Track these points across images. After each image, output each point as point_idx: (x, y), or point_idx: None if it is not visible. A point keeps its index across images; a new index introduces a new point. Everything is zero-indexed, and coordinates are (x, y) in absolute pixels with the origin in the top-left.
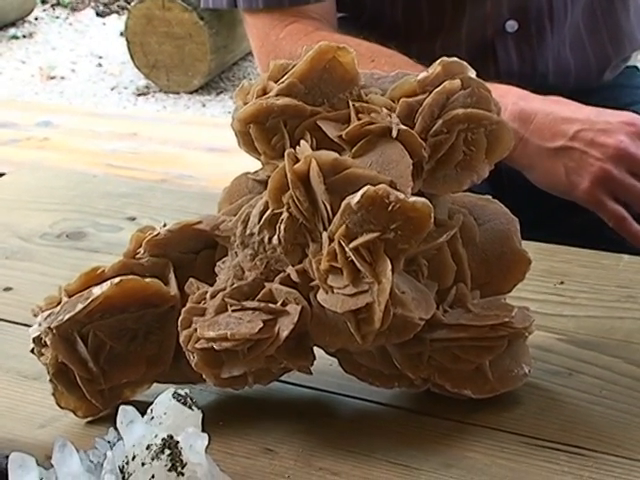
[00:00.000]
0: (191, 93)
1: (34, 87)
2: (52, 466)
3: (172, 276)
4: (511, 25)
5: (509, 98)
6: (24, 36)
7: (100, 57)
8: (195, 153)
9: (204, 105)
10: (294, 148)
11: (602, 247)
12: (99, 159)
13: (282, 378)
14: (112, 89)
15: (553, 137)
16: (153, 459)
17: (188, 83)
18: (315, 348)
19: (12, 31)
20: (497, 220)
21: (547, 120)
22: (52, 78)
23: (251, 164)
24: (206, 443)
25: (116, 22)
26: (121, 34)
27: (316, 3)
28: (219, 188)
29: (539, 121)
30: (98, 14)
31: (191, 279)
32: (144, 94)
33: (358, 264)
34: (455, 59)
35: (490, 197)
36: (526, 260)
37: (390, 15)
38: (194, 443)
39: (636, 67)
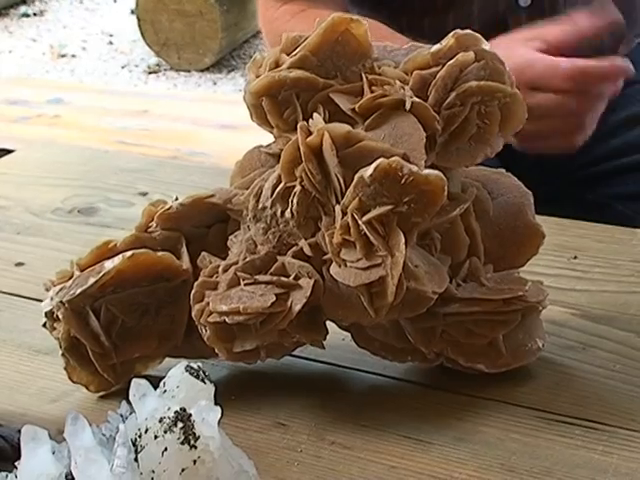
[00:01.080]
0: (202, 71)
1: (45, 65)
2: (64, 440)
3: (184, 250)
4: (524, 0)
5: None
6: (35, 14)
7: (111, 35)
8: (206, 130)
9: (215, 83)
10: (307, 121)
11: (615, 222)
12: (110, 136)
13: (295, 352)
14: (123, 67)
15: None
16: (166, 432)
17: (199, 61)
18: (328, 322)
19: (23, 9)
20: (511, 194)
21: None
22: (63, 56)
23: (262, 140)
24: (219, 416)
25: (127, 0)
26: (132, 12)
27: None
28: (230, 164)
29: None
30: None
31: (203, 253)
32: (155, 72)
33: (371, 237)
34: (468, 31)
35: (504, 171)
36: (540, 234)
37: None
38: (207, 416)
39: None
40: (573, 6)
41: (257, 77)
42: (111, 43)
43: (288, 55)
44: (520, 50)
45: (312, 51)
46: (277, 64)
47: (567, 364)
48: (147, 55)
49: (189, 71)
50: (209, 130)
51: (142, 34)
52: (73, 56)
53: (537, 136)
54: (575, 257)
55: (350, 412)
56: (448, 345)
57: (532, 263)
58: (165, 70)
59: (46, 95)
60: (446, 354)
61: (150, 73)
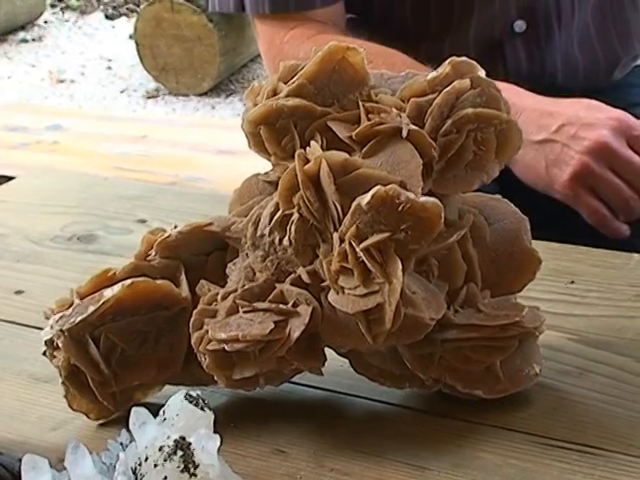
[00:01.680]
0: (200, 96)
1: (44, 91)
2: (65, 468)
3: (183, 278)
4: (519, 25)
5: (503, 94)
6: (34, 40)
7: (109, 60)
8: (205, 155)
9: (213, 107)
10: (304, 149)
11: (612, 246)
12: (109, 162)
13: (293, 379)
14: (122, 92)
15: (537, 130)
16: (165, 460)
17: (197, 85)
18: (326, 349)
19: (22, 35)
20: (507, 220)
21: (534, 114)
22: (62, 81)
23: (261, 166)
24: (218, 444)
25: (125, 25)
26: (130, 37)
27: (322, 8)
28: (229, 190)
29: (527, 115)
30: (107, 17)
31: (202, 281)
32: (154, 97)
33: (369, 264)
34: (464, 59)
35: (500, 197)
36: (536, 259)
37: (399, 15)
38: (206, 444)
39: None
40: (568, 32)
41: (255, 105)
42: (110, 68)
43: (285, 83)
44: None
45: (309, 79)
46: (275, 92)
47: (564, 389)
48: (146, 80)
49: (187, 95)
50: (208, 155)
51: (141, 59)
52: (72, 81)
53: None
54: (572, 282)
55: (349, 439)
56: (446, 371)
57: (529, 288)
58: (164, 95)
59: (45, 121)
60: (444, 380)
61: (149, 98)
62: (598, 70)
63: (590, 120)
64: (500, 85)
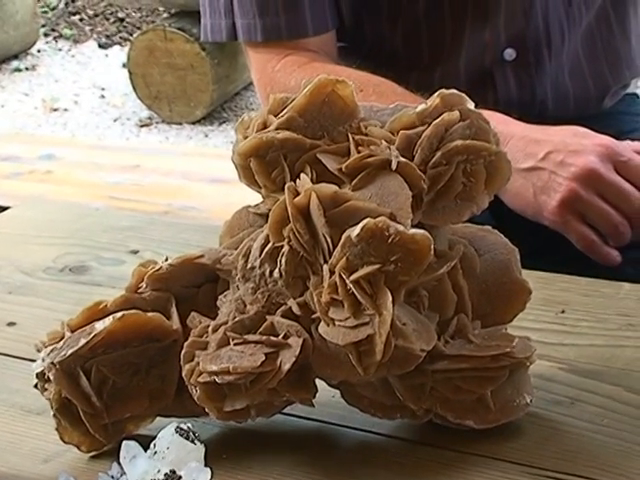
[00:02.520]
0: (194, 124)
1: (37, 119)
2: None
3: (174, 310)
4: (509, 53)
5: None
6: (27, 68)
7: (103, 89)
8: (198, 184)
9: (207, 135)
10: (294, 181)
11: (602, 275)
12: (102, 192)
13: (285, 410)
14: (115, 120)
15: (525, 158)
16: None
17: (190, 114)
18: (317, 380)
19: (15, 64)
20: (497, 250)
21: (521, 142)
22: (55, 110)
23: (253, 195)
24: (209, 477)
25: (118, 54)
26: (123, 65)
27: (315, 36)
28: (222, 219)
29: (514, 143)
30: (100, 46)
31: (193, 313)
32: (147, 125)
33: (359, 296)
34: (453, 91)
35: (490, 227)
36: (526, 290)
37: (390, 45)
38: (197, 477)
39: (636, 94)
40: (558, 60)
41: (245, 138)
42: (103, 97)
43: (275, 116)
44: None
45: (299, 112)
46: (264, 125)
47: (555, 419)
48: (139, 108)
49: (181, 124)
50: (201, 184)
51: (134, 87)
52: (65, 110)
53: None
54: (563, 311)
55: (340, 469)
56: (437, 402)
57: (519, 318)
58: (157, 123)
59: (38, 151)
60: (435, 410)
61: (142, 126)
62: (588, 98)
63: (577, 147)
64: (486, 113)
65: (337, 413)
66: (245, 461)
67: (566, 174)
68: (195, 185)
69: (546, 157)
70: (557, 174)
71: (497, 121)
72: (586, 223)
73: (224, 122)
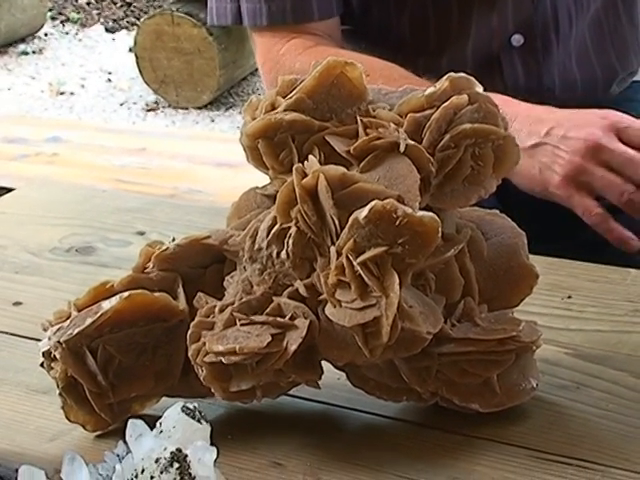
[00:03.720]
0: (200, 108)
1: (44, 103)
2: (61, 479)
3: (181, 290)
4: (517, 39)
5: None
6: (34, 52)
7: (109, 73)
8: (204, 168)
9: (213, 120)
10: (302, 163)
11: (610, 262)
12: (108, 174)
13: (290, 392)
14: (121, 104)
15: (528, 136)
16: (162, 472)
17: (197, 98)
18: (323, 362)
19: (22, 47)
20: (504, 234)
21: (525, 121)
22: (61, 94)
23: (259, 179)
24: (215, 456)
25: (125, 38)
26: (130, 50)
27: (320, 21)
28: (227, 203)
29: (518, 123)
30: (107, 30)
31: (200, 293)
32: (153, 109)
33: (366, 278)
34: (462, 74)
35: (497, 211)
36: (533, 274)
37: (397, 30)
38: (202, 456)
39: None
40: (566, 47)
41: (253, 119)
42: (110, 80)
43: (284, 98)
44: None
45: (308, 94)
46: (273, 107)
47: (561, 403)
48: (145, 92)
49: (187, 108)
50: (206, 168)
51: (140, 72)
52: (72, 93)
53: None
54: (569, 297)
55: (345, 451)
56: (443, 385)
57: (525, 302)
58: (163, 107)
59: (44, 133)
60: (441, 393)
61: (148, 110)
62: (596, 84)
63: (578, 121)
64: (491, 95)
65: (343, 395)
66: (250, 442)
67: (568, 148)
68: (201, 169)
69: (549, 133)
70: (560, 148)
71: (501, 102)
72: (593, 196)
73: (230, 107)
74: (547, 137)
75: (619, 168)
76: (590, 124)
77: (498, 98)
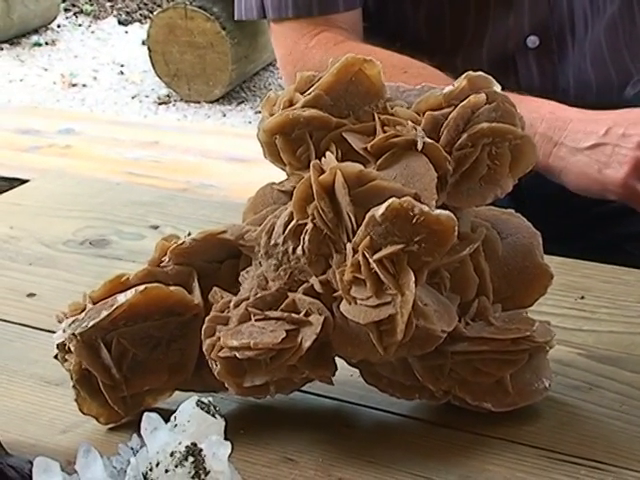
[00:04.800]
0: (212, 102)
1: (56, 94)
2: (75, 471)
3: (196, 285)
4: (532, 40)
5: (546, 108)
6: (47, 43)
7: (122, 65)
8: (216, 162)
9: (224, 115)
10: (319, 159)
11: (623, 263)
12: (120, 167)
13: (304, 388)
14: (133, 97)
15: (586, 137)
16: (177, 466)
17: (209, 93)
18: (337, 359)
19: (35, 38)
20: (519, 234)
21: (580, 124)
22: (74, 86)
23: (271, 174)
24: (229, 451)
25: (138, 31)
26: (143, 43)
27: (344, 12)
28: (240, 198)
29: (574, 125)
30: (120, 22)
31: (215, 288)
32: (165, 103)
33: (381, 276)
34: (480, 73)
35: (513, 211)
36: (548, 274)
37: (412, 28)
38: (217, 451)
39: None
40: (581, 49)
41: (271, 115)
42: (122, 73)
43: (302, 94)
44: None
45: (326, 90)
46: (291, 103)
47: (573, 404)
48: (157, 86)
49: (199, 102)
50: (219, 162)
51: (153, 65)
52: (84, 85)
53: None
54: (582, 297)
55: (357, 448)
56: (456, 383)
57: (538, 302)
58: (175, 101)
59: (57, 125)
60: (454, 392)
61: (160, 104)
62: (610, 87)
63: (636, 118)
64: (542, 100)
65: (356, 392)
66: (263, 437)
67: (630, 145)
68: (213, 163)
69: (607, 132)
70: (621, 146)
71: (554, 107)
72: None
73: (242, 102)
74: (606, 137)
75: None
76: None
77: (550, 104)
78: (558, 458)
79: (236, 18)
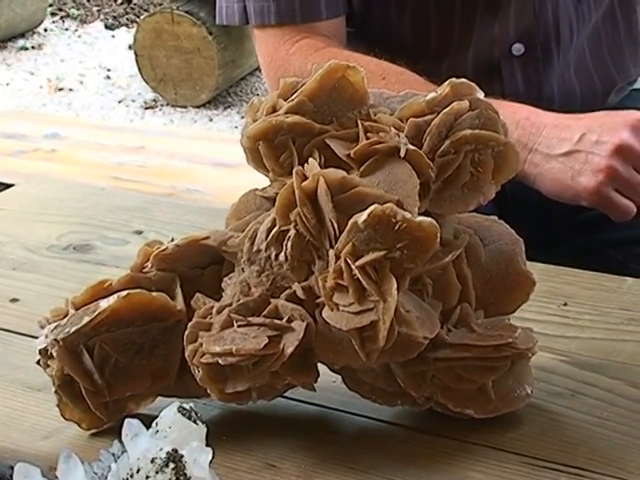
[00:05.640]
0: (198, 107)
1: (42, 98)
2: (56, 477)
3: (179, 290)
4: (518, 48)
5: (521, 113)
6: (33, 47)
7: (108, 70)
8: (202, 167)
9: (211, 119)
10: (302, 166)
11: (606, 269)
12: (106, 172)
13: (286, 394)
14: (120, 102)
15: (560, 144)
16: (157, 472)
17: (195, 97)
18: (319, 365)
19: (21, 42)
20: (502, 241)
21: (554, 130)
22: (60, 90)
23: (257, 180)
24: (210, 457)
25: (125, 35)
26: (130, 47)
27: (327, 20)
28: (225, 203)
29: (548, 131)
30: (107, 27)
31: (197, 294)
32: (152, 107)
33: (364, 282)
34: (464, 80)
35: (496, 218)
36: (530, 281)
37: (398, 33)
38: (198, 457)
39: None
40: (565, 57)
41: (254, 121)
42: (108, 77)
43: (285, 100)
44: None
45: (309, 97)
46: (274, 109)
47: (555, 411)
48: (144, 90)
49: (185, 107)
50: (205, 167)
51: (139, 69)
52: (70, 90)
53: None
54: (565, 304)
55: (340, 454)
56: (438, 390)
57: (521, 309)
58: (162, 105)
59: (43, 129)
60: (436, 398)
61: (147, 108)
62: (595, 94)
63: (609, 125)
64: (517, 106)
65: (338, 398)
66: (245, 443)
67: (603, 152)
68: (199, 168)
69: (581, 139)
70: (594, 154)
71: (529, 112)
72: (625, 196)
73: (229, 107)
74: (580, 143)
75: None
76: (621, 127)
77: (525, 109)
78: (540, 465)
79: (217, 22)
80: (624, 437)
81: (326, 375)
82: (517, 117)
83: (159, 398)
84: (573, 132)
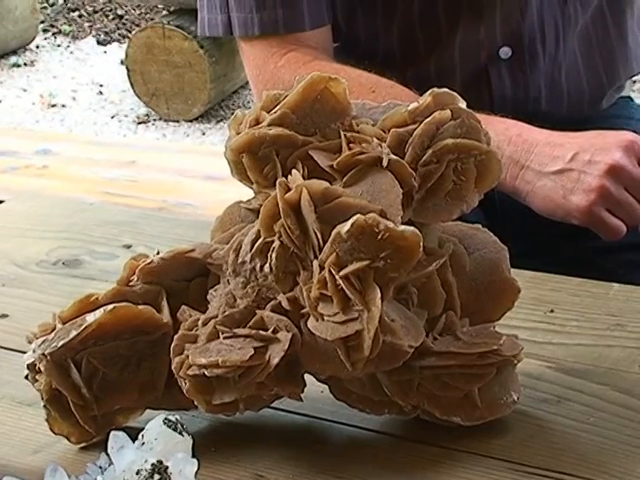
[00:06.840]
0: (191, 121)
1: (35, 115)
2: None
3: (165, 303)
4: (505, 52)
5: (513, 130)
6: (25, 64)
7: (101, 85)
8: (193, 181)
9: (204, 133)
10: (286, 177)
11: (593, 276)
12: (97, 187)
13: (273, 405)
14: (112, 117)
15: (552, 161)
16: None
17: (188, 111)
18: (306, 375)
19: (13, 59)
20: (487, 249)
21: (547, 148)
22: (53, 106)
23: (247, 193)
24: (195, 468)
25: (117, 50)
26: (121, 62)
27: (312, 30)
28: (215, 216)
29: (540, 149)
30: (99, 42)
31: (183, 306)
32: (144, 122)
33: (348, 292)
34: (445, 90)
35: (480, 226)
36: (515, 289)
37: (384, 43)
38: (183, 468)
39: (630, 97)
40: (554, 59)
41: (237, 134)
42: (101, 93)
43: (268, 112)
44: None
45: (292, 109)
46: (257, 121)
47: (542, 417)
48: (136, 105)
49: (178, 121)
50: (196, 181)
51: (132, 84)
52: (63, 106)
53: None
54: (552, 310)
55: (328, 464)
56: (424, 398)
57: (508, 316)
58: (154, 120)
59: (34, 145)
60: (422, 407)
61: (139, 123)
62: (583, 97)
63: (602, 145)
64: (511, 122)
65: (325, 408)
66: (233, 454)
67: (596, 172)
68: (190, 182)
69: (574, 158)
70: (587, 173)
71: (522, 129)
72: (616, 216)
73: (221, 120)
74: (572, 162)
75: (637, 194)
76: (614, 148)
77: (518, 125)
78: (527, 471)
79: (199, 34)
80: (610, 442)
81: (314, 385)
82: (509, 134)
83: (147, 411)
84: (566, 150)
